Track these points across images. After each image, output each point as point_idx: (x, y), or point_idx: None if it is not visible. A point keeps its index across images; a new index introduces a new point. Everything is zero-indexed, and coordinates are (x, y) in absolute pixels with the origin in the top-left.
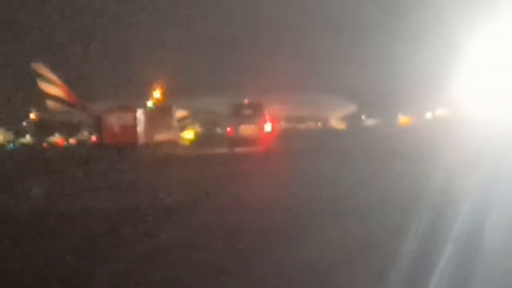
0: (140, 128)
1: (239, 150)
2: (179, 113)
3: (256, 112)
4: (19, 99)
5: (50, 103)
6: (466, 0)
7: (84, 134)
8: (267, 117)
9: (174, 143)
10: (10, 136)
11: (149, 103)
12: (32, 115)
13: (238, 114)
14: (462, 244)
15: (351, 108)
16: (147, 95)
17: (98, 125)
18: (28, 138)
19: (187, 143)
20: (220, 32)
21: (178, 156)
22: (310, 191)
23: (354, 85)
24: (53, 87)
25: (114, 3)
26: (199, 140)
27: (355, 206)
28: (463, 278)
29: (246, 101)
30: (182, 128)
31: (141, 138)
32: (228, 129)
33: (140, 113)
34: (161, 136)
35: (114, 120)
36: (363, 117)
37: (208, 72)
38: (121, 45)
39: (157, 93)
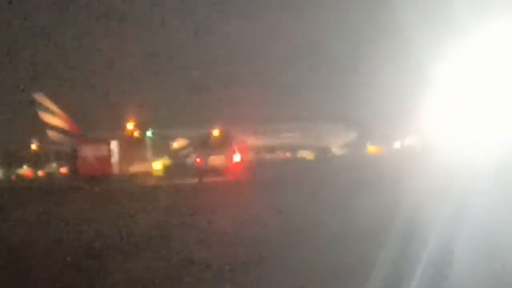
0: (114, 159)
1: (208, 180)
2: (179, 142)
3: (225, 143)
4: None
5: (51, 134)
6: (435, 26)
7: (53, 166)
8: (236, 148)
9: (147, 174)
10: None
11: (149, 133)
12: (33, 146)
13: (207, 145)
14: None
15: (349, 136)
16: (119, 126)
17: (72, 157)
18: None
19: (160, 173)
20: (193, 63)
21: (148, 188)
22: (273, 221)
23: (321, 113)
24: (54, 117)
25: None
26: (172, 170)
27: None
28: None
29: (215, 132)
30: (184, 157)
31: (115, 170)
32: (198, 159)
33: (114, 145)
34: (135, 167)
35: (88, 152)
36: (331, 147)
37: (183, 103)
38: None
39: (130, 125)
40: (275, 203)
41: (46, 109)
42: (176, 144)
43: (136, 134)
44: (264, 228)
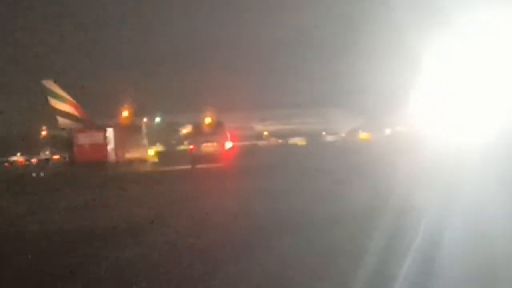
0: (110, 146)
1: (201, 166)
2: (188, 128)
3: (217, 130)
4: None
5: (60, 120)
6: (424, 14)
7: (46, 153)
8: (228, 135)
9: (142, 161)
10: None
11: (157, 119)
12: (43, 132)
13: (200, 132)
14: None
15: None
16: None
17: (68, 144)
18: None
19: (155, 160)
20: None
21: (144, 174)
22: (263, 205)
23: (314, 100)
24: (63, 103)
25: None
26: (166, 156)
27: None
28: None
29: (208, 119)
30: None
31: (111, 156)
32: (191, 146)
33: (110, 132)
34: (130, 154)
35: (84, 139)
36: (323, 133)
37: (182, 89)
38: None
39: (125, 112)
40: (264, 188)
41: (55, 95)
42: (185, 131)
43: (131, 121)
44: (252, 213)
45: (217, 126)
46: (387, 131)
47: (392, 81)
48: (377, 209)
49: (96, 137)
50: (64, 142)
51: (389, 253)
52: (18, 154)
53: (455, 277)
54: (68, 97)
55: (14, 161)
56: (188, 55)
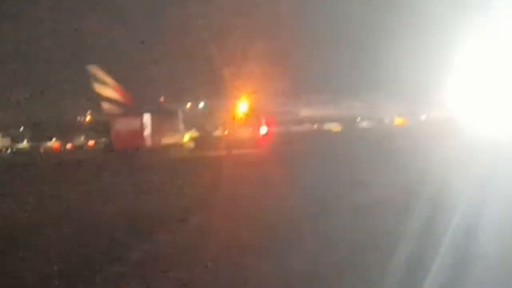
0: (147, 132)
1: (236, 152)
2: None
3: (252, 116)
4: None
5: (105, 105)
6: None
7: (81, 139)
8: (263, 121)
9: (178, 146)
10: (7, 141)
11: (202, 104)
12: (88, 117)
13: (235, 118)
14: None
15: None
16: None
17: (106, 130)
18: (25, 144)
19: (191, 145)
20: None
21: (179, 160)
22: (303, 192)
23: (350, 86)
24: (108, 89)
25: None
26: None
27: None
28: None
29: (241, 105)
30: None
31: (148, 142)
32: (226, 132)
33: (147, 118)
34: (167, 140)
35: (122, 125)
36: (358, 119)
37: (221, 74)
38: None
39: (162, 98)
40: (300, 175)
41: (100, 80)
42: (221, 116)
43: (168, 106)
44: (287, 199)
45: (252, 111)
46: (423, 116)
47: (428, 66)
48: (413, 196)
49: (134, 123)
50: (102, 128)
51: (424, 239)
52: (54, 139)
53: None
54: (113, 83)
55: (49, 147)
56: (227, 41)
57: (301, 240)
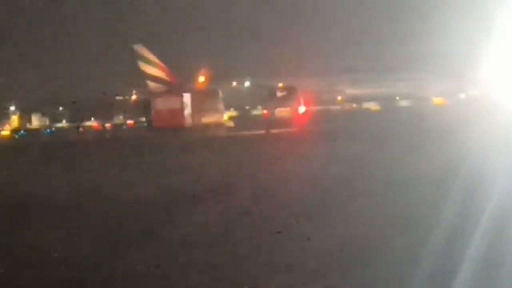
0: (187, 111)
1: (274, 131)
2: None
3: (290, 95)
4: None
5: (150, 84)
6: None
7: (120, 118)
8: (301, 100)
9: (218, 125)
10: (45, 121)
11: (247, 83)
12: (133, 96)
13: (274, 97)
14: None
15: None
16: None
17: (147, 109)
18: (64, 123)
19: (230, 124)
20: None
21: (219, 139)
22: (340, 170)
23: (388, 64)
24: (153, 67)
25: None
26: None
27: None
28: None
29: (280, 84)
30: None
31: (188, 121)
32: (265, 111)
33: (187, 97)
34: (207, 119)
35: (162, 104)
36: (397, 97)
37: (265, 54)
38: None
39: (201, 78)
40: (338, 152)
41: (145, 59)
42: (279, 93)
43: (208, 86)
44: (326, 177)
45: (291, 90)
46: (462, 95)
47: (468, 44)
48: (451, 173)
49: (174, 102)
50: (142, 107)
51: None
52: (92, 118)
53: None
54: (158, 61)
55: (88, 126)
56: (272, 19)
57: (345, 210)
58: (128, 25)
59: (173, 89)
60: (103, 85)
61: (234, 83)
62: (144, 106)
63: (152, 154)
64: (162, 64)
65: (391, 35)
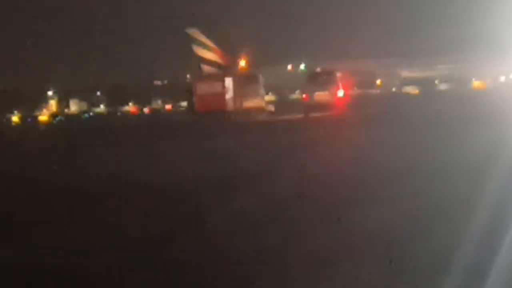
0: (229, 96)
1: (314, 115)
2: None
3: (329, 79)
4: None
5: (205, 67)
6: None
7: (158, 102)
8: (340, 84)
9: (260, 110)
10: (84, 106)
11: (302, 66)
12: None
13: (312, 81)
14: None
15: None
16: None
17: (189, 93)
18: (102, 108)
19: (272, 109)
20: None
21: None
22: (375, 155)
23: (428, 48)
24: (208, 51)
25: None
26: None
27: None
28: None
29: (319, 69)
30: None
31: (230, 106)
32: (304, 95)
33: (228, 82)
34: (248, 103)
35: (204, 89)
36: (436, 81)
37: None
38: None
39: (243, 62)
40: (377, 138)
41: (200, 43)
42: (318, 78)
43: (249, 70)
44: (367, 162)
45: (329, 74)
46: (502, 78)
47: (505, 30)
48: (484, 160)
49: (216, 86)
50: (184, 91)
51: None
52: (130, 103)
53: None
54: (213, 45)
55: (126, 110)
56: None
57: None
58: (171, 8)
59: (228, 72)
60: (142, 70)
61: (290, 66)
62: (187, 91)
63: (200, 139)
64: (216, 48)
65: (429, 18)
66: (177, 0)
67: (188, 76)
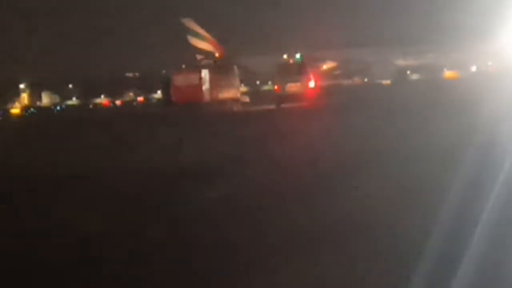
0: (205, 87)
1: (285, 106)
2: (328, 64)
3: (300, 70)
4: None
5: (199, 57)
6: None
7: (130, 95)
8: (311, 75)
9: (235, 100)
10: (56, 99)
11: (297, 56)
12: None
13: (284, 72)
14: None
15: None
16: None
17: (165, 85)
18: (74, 100)
19: (246, 100)
20: None
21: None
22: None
23: (398, 37)
24: (202, 41)
25: None
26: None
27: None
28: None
29: (290, 60)
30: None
31: (206, 97)
32: (276, 86)
33: (205, 73)
34: (224, 95)
35: (181, 80)
36: (408, 71)
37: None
38: None
39: (218, 53)
40: (346, 126)
41: (194, 33)
42: (325, 66)
43: (225, 62)
44: (335, 150)
45: (300, 66)
46: (473, 68)
47: (479, 17)
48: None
49: (192, 78)
50: (162, 84)
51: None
52: (102, 96)
53: None
54: (207, 35)
55: (98, 103)
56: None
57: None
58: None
59: (222, 62)
60: (113, 62)
61: (285, 56)
62: (163, 83)
63: (177, 128)
64: (211, 38)
65: (399, 6)
66: None
67: (161, 68)
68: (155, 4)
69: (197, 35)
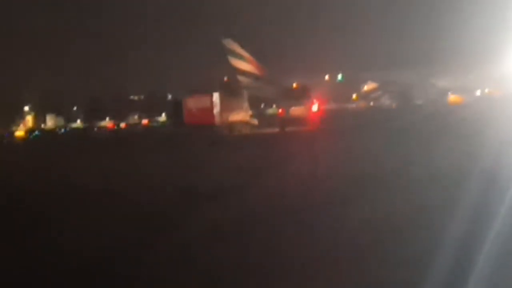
0: (216, 110)
1: (289, 129)
2: (369, 84)
3: (303, 94)
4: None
5: (241, 78)
6: None
7: (135, 118)
8: (314, 99)
9: (244, 123)
10: (60, 121)
11: (339, 76)
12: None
13: (288, 96)
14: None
15: None
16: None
17: (177, 108)
18: (78, 123)
19: (255, 123)
20: None
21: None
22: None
23: (402, 61)
24: (243, 62)
25: None
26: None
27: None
28: None
29: (294, 85)
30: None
31: (217, 120)
32: (280, 110)
33: (216, 97)
34: (233, 117)
35: (193, 103)
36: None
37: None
38: None
39: (226, 78)
40: (350, 150)
41: (236, 54)
42: (366, 87)
43: (235, 85)
44: (338, 172)
45: (304, 90)
46: (477, 92)
47: (483, 41)
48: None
49: (204, 101)
50: (172, 107)
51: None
52: (107, 118)
53: None
54: (248, 56)
55: (102, 126)
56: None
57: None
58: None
59: (263, 82)
60: (118, 85)
61: (327, 76)
62: (175, 105)
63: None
64: (251, 58)
65: (403, 30)
66: (151, 14)
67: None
68: (159, 26)
69: (238, 56)
